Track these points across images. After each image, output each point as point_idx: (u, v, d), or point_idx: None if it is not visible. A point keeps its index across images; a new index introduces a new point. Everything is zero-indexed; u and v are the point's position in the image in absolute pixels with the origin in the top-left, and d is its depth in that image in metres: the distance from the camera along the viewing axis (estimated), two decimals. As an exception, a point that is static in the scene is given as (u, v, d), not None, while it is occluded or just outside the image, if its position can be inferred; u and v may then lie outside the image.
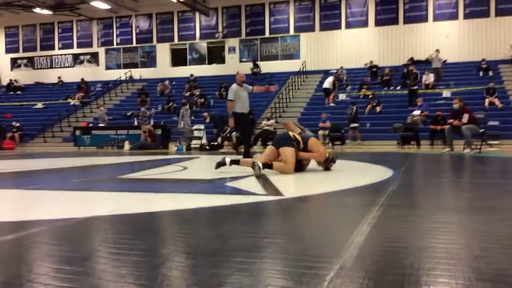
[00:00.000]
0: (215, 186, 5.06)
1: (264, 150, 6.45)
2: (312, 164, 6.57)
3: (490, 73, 20.32)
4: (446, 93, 19.31)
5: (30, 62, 30.12)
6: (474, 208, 3.63)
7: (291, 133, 6.40)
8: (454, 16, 22.59)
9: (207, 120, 18.91)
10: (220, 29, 26.49)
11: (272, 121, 18.58)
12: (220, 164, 6.16)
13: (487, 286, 1.73)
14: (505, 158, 9.78)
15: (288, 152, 6.08)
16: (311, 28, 24.86)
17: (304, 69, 24.05)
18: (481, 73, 20.63)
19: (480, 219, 3.13)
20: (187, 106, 18.89)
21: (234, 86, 8.65)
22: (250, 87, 9.00)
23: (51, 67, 29.81)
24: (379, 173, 6.09)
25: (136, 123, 19.84)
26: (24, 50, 30.12)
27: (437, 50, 20.77)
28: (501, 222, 3.02)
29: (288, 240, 2.62)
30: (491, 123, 15.49)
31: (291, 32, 25.29)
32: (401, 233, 2.70)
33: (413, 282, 1.79)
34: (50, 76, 29.06)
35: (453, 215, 3.28)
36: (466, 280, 1.80)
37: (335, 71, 22.56)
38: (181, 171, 7.06)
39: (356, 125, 17.13)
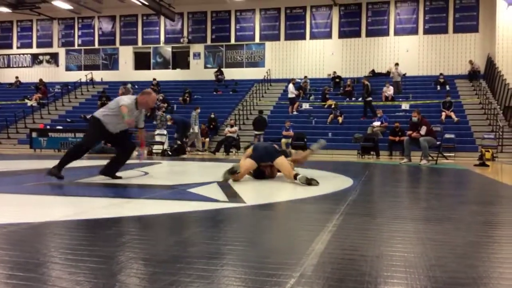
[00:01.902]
0: (176, 192, 5.00)
1: (240, 163, 6.25)
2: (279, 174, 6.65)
3: (447, 88, 21.05)
4: (405, 105, 19.86)
5: (-14, 61, 29.09)
6: (429, 217, 3.74)
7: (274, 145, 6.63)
8: (414, 31, 23.33)
9: (169, 123, 18.61)
10: (185, 34, 26.37)
11: (235, 128, 18.58)
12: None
13: (442, 294, 1.77)
14: (460, 170, 10.12)
15: (285, 162, 6.19)
16: (276, 37, 25.10)
17: (268, 77, 24.23)
18: (438, 87, 21.35)
19: (435, 228, 3.22)
20: (198, 110, 18.63)
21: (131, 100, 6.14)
22: (142, 116, 6.47)
23: (9, 66, 28.88)
24: (340, 182, 6.18)
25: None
26: (-20, 48, 29.09)
27: (397, 64, 21.38)
28: (455, 232, 3.12)
29: (250, 247, 2.62)
30: (447, 135, 16.02)
31: (257, 40, 25.46)
32: (360, 241, 2.75)
33: (372, 290, 1.81)
34: (7, 76, 28.12)
35: (410, 224, 3.36)
36: (422, 288, 1.85)
37: (299, 80, 22.81)
38: (142, 177, 6.94)
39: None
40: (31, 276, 1.95)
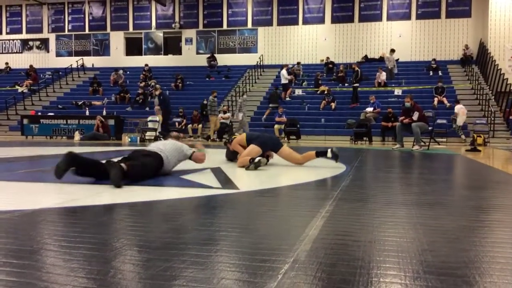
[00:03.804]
0: (169, 178, 4.99)
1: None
2: (274, 159, 6.67)
3: (440, 73, 21.09)
4: (398, 91, 19.90)
5: (-25, 46, 28.72)
6: (422, 203, 3.77)
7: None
8: (407, 17, 23.28)
9: (157, 92, 18.31)
10: (177, 19, 26.15)
11: (228, 115, 18.54)
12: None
13: (434, 279, 1.79)
14: (451, 155, 10.19)
15: (289, 150, 6.47)
16: (268, 23, 24.96)
17: (261, 63, 24.13)
18: (431, 73, 21.38)
19: (427, 213, 3.25)
20: (245, 96, 18.39)
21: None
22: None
23: (-2, 52, 28.55)
24: (333, 168, 6.21)
25: (104, 112, 19.02)
26: (-32, 33, 28.69)
27: (392, 50, 21.35)
28: (447, 217, 3.15)
29: (243, 233, 2.63)
30: (439, 121, 16.11)
31: (249, 25, 25.31)
32: (353, 227, 2.77)
33: (364, 274, 1.83)
34: (-4, 62, 27.81)
35: (402, 210, 3.39)
36: (415, 273, 1.87)
37: (291, 65, 22.74)
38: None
39: None
40: (25, 264, 1.95)
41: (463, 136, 16.03)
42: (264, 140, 6.33)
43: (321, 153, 6.31)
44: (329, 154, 6.29)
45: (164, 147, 5.20)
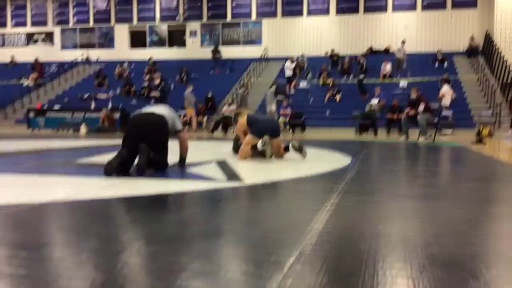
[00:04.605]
0: (174, 171, 5.01)
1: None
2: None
3: (445, 64, 20.96)
4: (403, 83, 19.80)
5: (-20, 40, 28.79)
6: (427, 195, 3.76)
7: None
8: (412, 7, 23.10)
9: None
10: (181, 11, 26.06)
11: (233, 107, 18.51)
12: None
13: (439, 271, 1.80)
14: (457, 147, 10.16)
15: (280, 141, 6.28)
16: (273, 14, 24.83)
17: (265, 56, 24.05)
18: (436, 64, 21.25)
19: (433, 205, 3.25)
20: (272, 89, 18.30)
21: None
22: None
23: (3, 45, 28.56)
24: (338, 160, 6.20)
25: (110, 105, 19.08)
26: (-26, 27, 28.73)
27: (403, 41, 21.23)
28: (453, 209, 3.14)
29: (249, 226, 2.64)
30: (445, 113, 15.99)
31: (253, 17, 25.19)
32: (358, 220, 2.77)
33: (370, 267, 1.84)
34: (2, 55, 27.83)
35: (408, 202, 3.39)
36: (420, 265, 1.87)
37: (296, 58, 22.64)
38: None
39: None
40: (33, 257, 1.97)
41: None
42: (263, 127, 6.16)
43: (285, 148, 6.29)
44: (290, 148, 6.26)
45: (165, 112, 5.10)
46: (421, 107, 11.77)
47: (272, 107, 17.14)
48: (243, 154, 6.08)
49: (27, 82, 24.14)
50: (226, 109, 18.20)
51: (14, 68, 26.84)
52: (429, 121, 11.86)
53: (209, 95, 19.82)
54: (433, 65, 21.38)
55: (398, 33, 22.71)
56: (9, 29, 28.50)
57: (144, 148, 4.53)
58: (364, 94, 18.88)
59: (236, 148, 6.82)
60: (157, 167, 4.72)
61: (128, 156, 4.58)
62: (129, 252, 2.09)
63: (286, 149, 6.23)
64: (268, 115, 16.77)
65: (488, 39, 21.18)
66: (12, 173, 4.87)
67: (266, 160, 6.06)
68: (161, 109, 5.11)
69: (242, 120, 6.39)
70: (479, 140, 11.87)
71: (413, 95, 12.04)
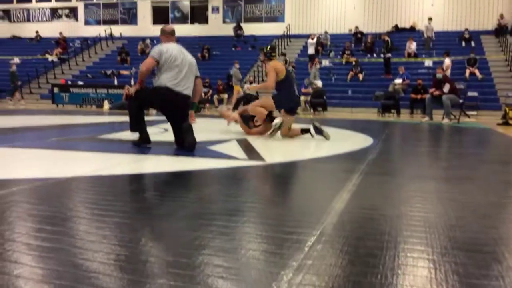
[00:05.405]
0: (196, 149, 5.04)
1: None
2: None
3: (472, 44, 20.42)
4: (428, 62, 19.39)
5: (6, 15, 29.05)
6: (450, 177, 3.72)
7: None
8: (440, -16, 22.45)
9: None
10: (204, -13, 25.87)
11: (255, 85, 18.45)
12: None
13: (462, 255, 1.78)
14: (482, 129, 9.96)
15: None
16: (296, -10, 24.45)
17: (288, 33, 23.77)
18: (463, 43, 20.72)
19: (456, 188, 3.21)
20: (318, 65, 18.24)
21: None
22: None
23: (28, 20, 28.84)
24: (360, 141, 6.15)
25: (132, 82, 19.30)
26: (-1, 2, 29.03)
27: (430, 19, 20.70)
28: (477, 192, 3.10)
29: (270, 205, 2.65)
30: (470, 93, 15.66)
31: (277, -7, 24.85)
32: (380, 201, 2.76)
33: (391, 249, 1.83)
34: (27, 30, 28.13)
35: (430, 184, 3.35)
36: (442, 248, 1.86)
37: (318, 35, 22.31)
38: (162, 133, 7.01)
39: None
40: (59, 230, 2.02)
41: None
42: (289, 99, 6.07)
43: (305, 130, 6.17)
44: (312, 131, 6.09)
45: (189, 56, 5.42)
46: (446, 87, 11.53)
47: (319, 83, 17.15)
48: (259, 113, 6.06)
49: (51, 57, 24.40)
50: (248, 87, 18.14)
51: (39, 43, 27.13)
52: (454, 102, 11.63)
53: (231, 73, 19.76)
54: (459, 44, 20.85)
55: (424, 10, 22.12)
56: (34, 4, 28.71)
57: (189, 126, 4.70)
58: (389, 74, 18.57)
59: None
60: (190, 146, 4.78)
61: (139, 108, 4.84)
62: (151, 228, 2.12)
63: (306, 131, 6.17)
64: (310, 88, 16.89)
65: (518, 18, 20.50)
66: (38, 148, 4.97)
67: (273, 137, 6.00)
68: (188, 55, 5.53)
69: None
70: (505, 122, 11.62)
71: (439, 74, 11.78)
